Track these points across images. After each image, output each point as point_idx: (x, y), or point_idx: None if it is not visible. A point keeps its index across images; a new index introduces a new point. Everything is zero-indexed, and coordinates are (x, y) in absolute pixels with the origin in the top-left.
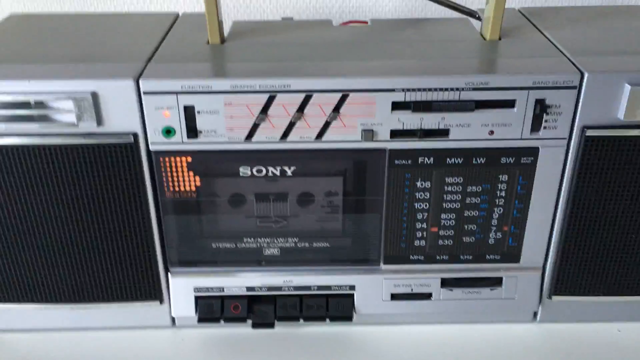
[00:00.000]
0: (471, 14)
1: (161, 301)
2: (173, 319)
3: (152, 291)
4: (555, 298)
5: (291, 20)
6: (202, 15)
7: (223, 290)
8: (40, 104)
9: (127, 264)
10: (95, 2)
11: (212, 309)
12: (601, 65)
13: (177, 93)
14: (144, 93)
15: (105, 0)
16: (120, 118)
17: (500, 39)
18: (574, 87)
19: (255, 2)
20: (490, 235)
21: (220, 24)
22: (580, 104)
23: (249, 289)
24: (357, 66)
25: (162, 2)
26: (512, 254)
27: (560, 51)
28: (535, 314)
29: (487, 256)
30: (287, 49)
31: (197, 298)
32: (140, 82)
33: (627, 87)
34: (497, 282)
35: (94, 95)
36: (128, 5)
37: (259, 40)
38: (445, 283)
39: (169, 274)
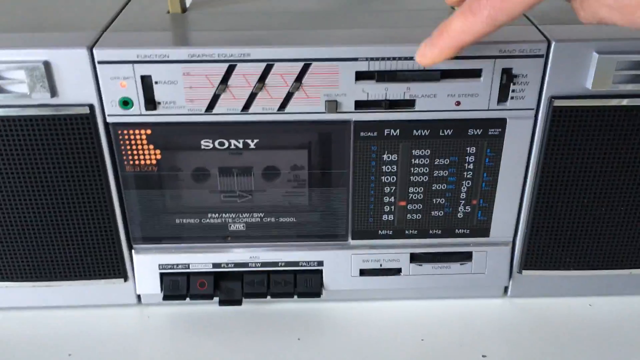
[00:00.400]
0: None
1: (125, 278)
2: (139, 297)
3: (116, 268)
4: (526, 272)
5: None
6: None
7: (188, 267)
8: None
9: (89, 240)
10: None
11: (177, 286)
12: (569, 33)
13: (133, 62)
14: (99, 62)
15: None
16: (75, 89)
17: None
18: (541, 56)
19: None
20: (459, 209)
21: None
22: (547, 74)
23: (215, 265)
24: (320, 35)
25: None
26: (481, 228)
27: (528, 19)
28: (505, 289)
29: (457, 230)
30: (250, 18)
31: (162, 275)
32: (94, 51)
33: (595, 56)
34: (466, 257)
35: (47, 65)
36: None
37: (221, 9)
38: (415, 258)
39: (132, 250)
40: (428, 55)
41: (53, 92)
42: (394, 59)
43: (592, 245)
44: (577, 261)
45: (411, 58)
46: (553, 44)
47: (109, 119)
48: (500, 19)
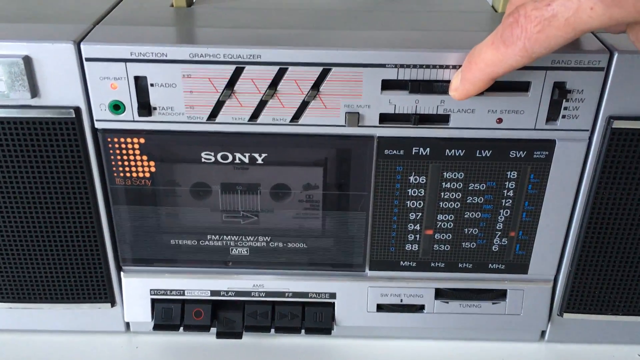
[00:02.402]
0: None
1: (113, 303)
2: (127, 324)
3: (103, 292)
4: (567, 315)
5: None
6: None
7: (184, 294)
8: None
9: (73, 260)
10: None
11: (170, 314)
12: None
13: (125, 61)
14: (87, 59)
15: None
16: (59, 89)
17: None
18: (600, 69)
19: None
20: (495, 241)
21: None
22: (607, 90)
23: (213, 293)
24: (342, 36)
25: None
26: (519, 264)
27: None
28: (543, 333)
29: (490, 265)
30: (263, 15)
31: (153, 301)
32: (82, 46)
33: None
34: (500, 295)
35: (27, 61)
36: None
37: (232, 4)
38: (440, 294)
39: (121, 273)
40: (460, 89)
41: (34, 92)
42: (427, 66)
43: None
44: (627, 305)
45: (447, 66)
46: (616, 56)
47: (98, 125)
48: (536, 51)
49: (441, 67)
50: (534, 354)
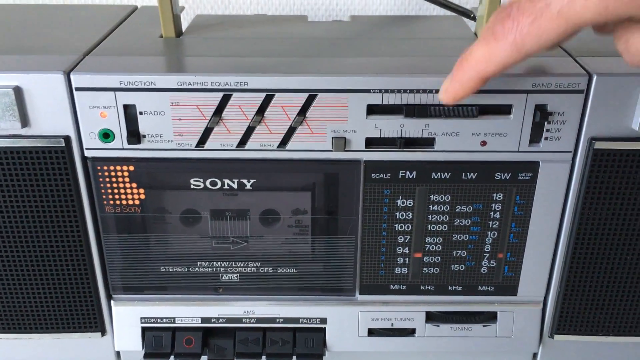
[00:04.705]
0: (465, 13)
1: (103, 332)
2: (118, 353)
3: (93, 321)
4: (558, 337)
5: (264, 15)
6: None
7: (174, 321)
8: None
9: (62, 289)
10: None
11: (161, 342)
12: (612, 66)
13: (115, 90)
14: (76, 89)
15: None
16: (49, 118)
17: None
18: (580, 92)
19: (234, 2)
20: (483, 263)
21: (175, 15)
22: (587, 112)
23: (204, 320)
24: (328, 63)
25: None
26: (508, 286)
27: (565, 50)
28: (535, 355)
29: (480, 287)
30: (250, 44)
31: (144, 329)
32: (72, 76)
33: None
34: (490, 317)
35: (17, 91)
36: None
37: (220, 34)
38: (431, 317)
39: (111, 301)
40: (449, 90)
41: (24, 122)
42: (411, 91)
43: (634, 309)
44: (617, 326)
45: (431, 91)
46: (594, 78)
47: (87, 153)
48: (528, 45)
49: (425, 91)
50: None
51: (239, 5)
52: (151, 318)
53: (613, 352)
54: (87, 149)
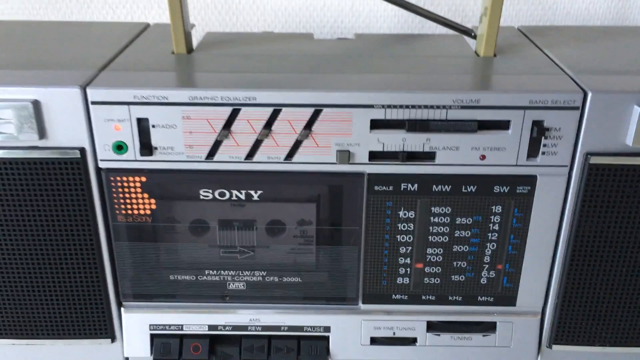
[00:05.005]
0: (467, 32)
1: (113, 339)
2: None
3: (103, 327)
4: (556, 347)
5: (271, 33)
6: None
7: (182, 329)
8: None
9: (74, 296)
10: (69, 12)
11: (169, 349)
12: (607, 84)
13: (129, 104)
14: (92, 103)
15: (81, 9)
16: (65, 131)
17: (495, 55)
18: (576, 108)
19: (242, 20)
20: (483, 274)
21: (186, 32)
22: (583, 128)
23: (211, 327)
24: (333, 79)
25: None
26: (507, 296)
27: (561, 69)
28: None
29: (479, 298)
30: (259, 60)
31: (152, 336)
32: (88, 90)
33: (637, 109)
34: (490, 327)
35: (36, 104)
36: (104, 15)
37: (229, 51)
38: (432, 327)
39: (121, 308)
40: None
41: (42, 134)
42: (413, 107)
43: (632, 319)
44: (614, 336)
45: (432, 106)
46: (589, 95)
47: (101, 164)
48: None
49: (426, 107)
50: None
51: (247, 23)
52: (160, 325)
53: None
54: (101, 160)
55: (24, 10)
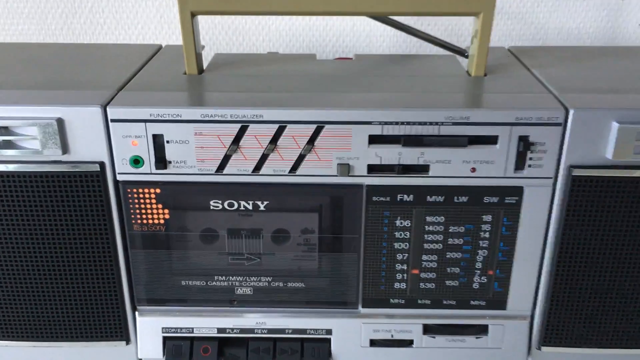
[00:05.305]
0: (460, 52)
1: (128, 341)
2: None
3: (119, 330)
4: (545, 349)
5: (276, 54)
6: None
7: (192, 331)
8: (4, 130)
9: (92, 300)
10: (83, 34)
11: (180, 351)
12: (587, 102)
13: (145, 121)
14: (112, 120)
15: (95, 32)
16: (86, 146)
17: (485, 75)
18: (558, 124)
19: (249, 40)
20: (475, 279)
21: (197, 54)
22: (566, 142)
23: (219, 330)
24: (334, 98)
25: (160, 37)
26: (498, 300)
27: (546, 88)
28: None
29: (472, 302)
30: (265, 80)
31: (165, 339)
32: (108, 109)
33: (615, 125)
34: (482, 330)
35: (60, 122)
36: (117, 37)
37: (237, 71)
38: (428, 329)
39: (136, 312)
40: None
41: (65, 149)
42: (408, 123)
43: (617, 322)
44: (600, 338)
45: (425, 123)
46: (571, 112)
47: (119, 177)
48: None
49: (420, 123)
50: None
51: (252, 43)
52: (172, 328)
53: None
54: (119, 173)
55: (40, 31)
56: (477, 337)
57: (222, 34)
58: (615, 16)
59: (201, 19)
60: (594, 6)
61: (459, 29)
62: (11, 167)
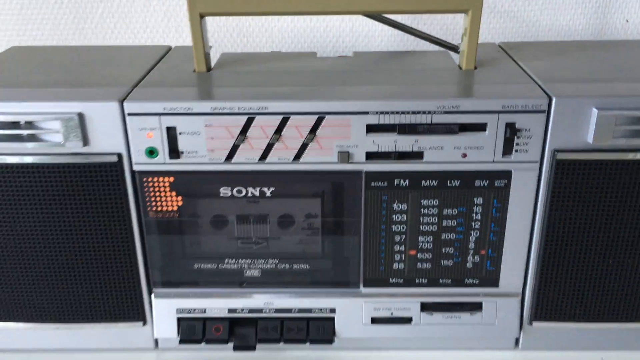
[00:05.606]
0: (453, 48)
1: (144, 322)
2: (156, 341)
3: (136, 312)
4: (536, 324)
5: (279, 52)
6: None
7: (205, 312)
8: (29, 124)
9: (111, 284)
10: (94, 38)
11: (194, 330)
12: (569, 90)
13: (159, 115)
14: (128, 114)
15: (105, 35)
16: (105, 139)
17: (475, 68)
18: (542, 111)
19: (252, 41)
20: (468, 258)
21: (206, 53)
22: (550, 128)
23: (230, 310)
24: (334, 91)
25: (167, 38)
26: (490, 279)
27: (532, 78)
28: (517, 341)
29: (466, 280)
30: (269, 76)
31: (179, 319)
32: (125, 104)
33: (595, 112)
34: (477, 307)
35: (81, 116)
36: (126, 40)
37: (243, 68)
38: (425, 307)
39: (152, 295)
40: None
41: (85, 142)
42: (402, 112)
43: (602, 297)
44: (587, 313)
45: (419, 112)
46: (554, 100)
47: (135, 167)
48: None
49: (414, 113)
50: None
51: (256, 44)
52: (185, 309)
53: (584, 337)
54: (135, 163)
55: (53, 36)
56: (471, 314)
57: (227, 36)
58: (604, 13)
59: (208, 21)
60: (582, 3)
61: (454, 28)
62: (36, 159)
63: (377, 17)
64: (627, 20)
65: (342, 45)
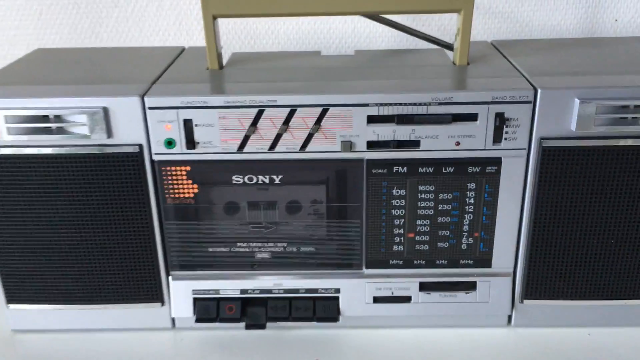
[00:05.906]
0: (448, 46)
1: (162, 303)
2: (173, 320)
3: (154, 293)
4: (527, 302)
5: (286, 52)
6: (205, 49)
7: (219, 293)
8: (58, 118)
9: (132, 267)
10: (110, 41)
11: (208, 310)
12: (554, 82)
13: (177, 108)
14: (149, 108)
15: (120, 39)
16: (127, 131)
17: (468, 64)
18: (529, 102)
19: (259, 42)
20: (463, 240)
21: (218, 52)
22: (536, 118)
23: (242, 291)
24: (337, 85)
25: (181, 39)
26: (484, 259)
27: (520, 72)
28: (510, 318)
29: (461, 261)
30: (277, 72)
31: (195, 300)
32: (145, 98)
33: (577, 102)
34: (471, 286)
35: (105, 110)
36: (140, 42)
37: (252, 66)
38: (424, 287)
39: (169, 277)
40: None
41: (109, 134)
42: (400, 104)
43: (588, 276)
44: (574, 291)
45: (415, 104)
46: (539, 92)
47: (155, 157)
48: None
49: (411, 104)
50: (503, 337)
51: (263, 45)
52: (201, 290)
53: (572, 314)
54: (154, 154)
55: (70, 39)
56: (466, 293)
57: (236, 38)
58: (594, 13)
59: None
60: (573, 4)
61: (451, 28)
62: (64, 151)
63: (376, 17)
64: (616, 20)
65: (345, 46)
